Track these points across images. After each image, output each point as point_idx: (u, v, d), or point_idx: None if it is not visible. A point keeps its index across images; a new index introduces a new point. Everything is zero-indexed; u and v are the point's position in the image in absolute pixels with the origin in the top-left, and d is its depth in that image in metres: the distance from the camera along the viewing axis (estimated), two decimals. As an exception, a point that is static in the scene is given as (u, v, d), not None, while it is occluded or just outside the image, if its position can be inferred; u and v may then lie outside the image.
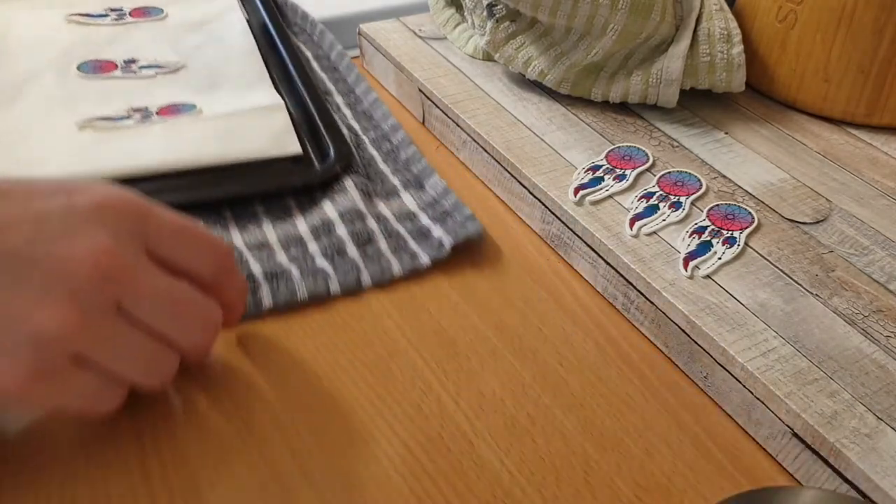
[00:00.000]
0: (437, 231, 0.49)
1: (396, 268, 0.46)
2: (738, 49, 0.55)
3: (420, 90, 0.60)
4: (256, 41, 0.65)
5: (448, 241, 0.48)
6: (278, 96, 0.58)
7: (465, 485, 0.36)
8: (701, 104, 0.58)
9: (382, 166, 0.55)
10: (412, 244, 0.48)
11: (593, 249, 0.46)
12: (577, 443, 0.38)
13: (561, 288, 0.47)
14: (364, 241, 0.48)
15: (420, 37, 0.66)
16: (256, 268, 0.45)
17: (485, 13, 0.58)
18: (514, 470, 0.36)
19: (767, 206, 0.48)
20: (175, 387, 0.39)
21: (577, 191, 0.48)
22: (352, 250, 0.47)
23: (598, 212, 0.47)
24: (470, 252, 0.49)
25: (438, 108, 0.58)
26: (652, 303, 0.43)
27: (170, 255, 0.32)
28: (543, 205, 0.49)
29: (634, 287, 0.44)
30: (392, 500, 0.35)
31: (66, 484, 0.35)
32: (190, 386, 0.39)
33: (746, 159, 0.53)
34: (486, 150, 0.54)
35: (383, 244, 0.48)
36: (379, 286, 0.46)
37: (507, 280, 0.47)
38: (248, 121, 0.55)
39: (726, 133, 0.55)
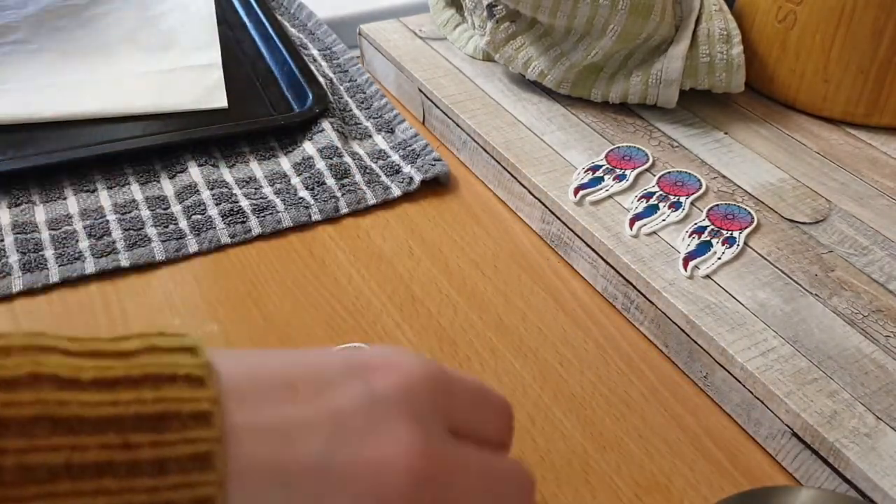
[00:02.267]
0: (407, 168, 0.55)
1: (371, 198, 0.52)
2: (737, 49, 0.55)
3: (420, 90, 0.60)
4: (234, 10, 0.73)
5: (417, 177, 0.53)
6: (218, 56, 0.65)
7: (465, 484, 0.36)
8: (701, 104, 0.58)
9: (356, 112, 0.61)
10: (384, 178, 0.54)
11: (593, 249, 0.46)
12: (577, 443, 0.38)
13: (561, 288, 0.47)
14: (341, 174, 0.53)
15: (420, 37, 0.66)
16: (245, 202, 0.51)
17: (485, 14, 0.58)
18: (515, 469, 0.36)
19: (767, 205, 0.48)
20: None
21: (577, 191, 0.48)
22: (330, 181, 0.53)
23: (598, 212, 0.47)
24: (470, 250, 0.49)
25: (438, 108, 0.59)
26: (652, 303, 0.43)
27: (467, 425, 0.28)
28: (543, 205, 0.49)
29: (634, 287, 0.44)
30: (392, 500, 0.35)
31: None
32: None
33: (746, 159, 0.53)
34: (486, 150, 0.54)
35: (358, 177, 0.54)
36: (355, 213, 0.51)
37: (507, 280, 0.47)
38: (184, 77, 0.63)
39: (726, 133, 0.56)
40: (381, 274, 0.47)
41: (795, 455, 0.36)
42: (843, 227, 0.47)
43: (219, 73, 0.63)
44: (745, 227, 0.46)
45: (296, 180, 0.53)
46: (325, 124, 0.57)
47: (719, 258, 0.44)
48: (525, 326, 0.44)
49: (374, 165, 0.55)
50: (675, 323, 0.41)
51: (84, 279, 0.45)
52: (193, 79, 0.62)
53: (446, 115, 0.58)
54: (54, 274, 0.45)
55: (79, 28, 0.68)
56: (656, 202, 0.48)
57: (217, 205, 0.50)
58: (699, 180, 0.50)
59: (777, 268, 0.44)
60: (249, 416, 0.22)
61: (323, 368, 0.25)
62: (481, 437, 0.28)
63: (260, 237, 0.49)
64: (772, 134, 0.56)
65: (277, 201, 0.51)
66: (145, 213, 0.50)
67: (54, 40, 0.66)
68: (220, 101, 0.60)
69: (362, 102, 0.62)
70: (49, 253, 0.46)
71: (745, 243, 0.45)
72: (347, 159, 0.54)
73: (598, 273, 0.46)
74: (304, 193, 0.52)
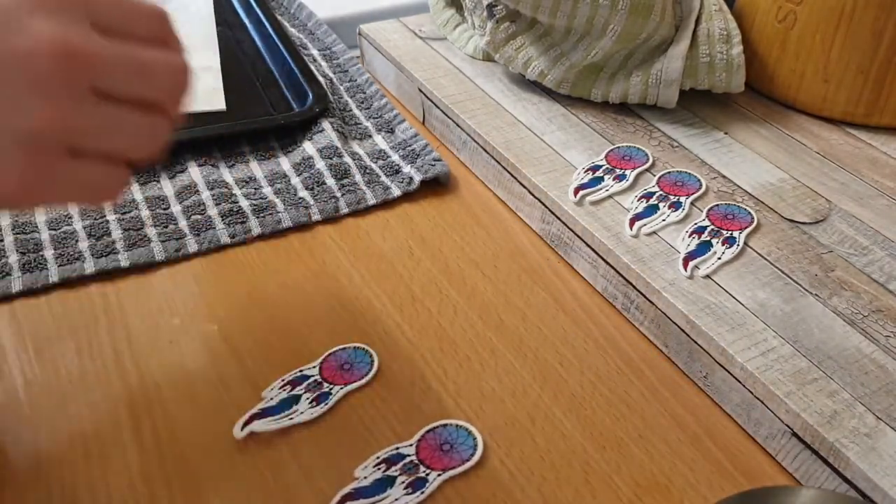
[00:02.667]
0: (407, 168, 0.55)
1: (370, 198, 0.52)
2: (737, 49, 0.55)
3: (420, 90, 0.60)
4: (234, 10, 0.73)
5: (417, 178, 0.53)
6: (217, 59, 0.65)
7: (465, 484, 0.36)
8: (701, 104, 0.58)
9: (356, 112, 0.61)
10: (384, 178, 0.54)
11: (593, 249, 0.46)
12: (577, 443, 0.38)
13: (561, 288, 0.47)
14: (341, 174, 0.53)
15: (420, 37, 0.66)
16: (245, 202, 0.51)
17: (485, 14, 0.58)
18: (514, 470, 0.36)
19: (767, 205, 0.48)
20: (174, 381, 0.39)
21: (577, 191, 0.48)
22: (330, 182, 0.53)
23: (598, 212, 0.47)
24: (470, 250, 0.49)
25: (438, 108, 0.59)
26: (652, 303, 0.43)
27: (112, 25, 0.31)
28: (543, 205, 0.49)
29: (634, 287, 0.44)
30: (392, 500, 0.35)
31: (67, 483, 0.35)
32: (191, 383, 0.39)
33: (746, 159, 0.53)
34: (486, 150, 0.54)
35: (358, 177, 0.54)
36: (355, 213, 0.52)
37: (507, 280, 0.47)
38: None
39: (726, 133, 0.56)
40: (381, 274, 0.47)
41: (795, 455, 0.36)
42: (843, 227, 0.47)
43: (217, 76, 0.63)
44: (745, 227, 0.46)
45: (296, 180, 0.53)
46: (325, 124, 0.57)
47: (719, 258, 0.44)
48: (525, 326, 0.44)
49: (373, 165, 0.55)
50: (675, 323, 0.41)
51: (84, 279, 0.45)
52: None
53: (446, 115, 0.58)
54: (54, 274, 0.45)
55: None
56: (656, 202, 0.48)
57: (217, 205, 0.50)
58: (699, 180, 0.50)
59: (777, 268, 0.44)
60: None
61: None
62: (132, 35, 0.31)
63: (260, 237, 0.49)
64: (772, 134, 0.56)
65: (277, 201, 0.51)
66: (145, 213, 0.50)
67: None
68: (219, 103, 0.60)
69: (362, 102, 0.62)
70: (49, 253, 0.46)
71: (745, 243, 0.45)
72: (347, 159, 0.54)
73: (598, 273, 0.46)
74: (304, 193, 0.52)
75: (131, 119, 0.31)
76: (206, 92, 0.61)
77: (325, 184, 0.53)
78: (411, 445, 0.37)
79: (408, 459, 0.36)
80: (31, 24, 0.28)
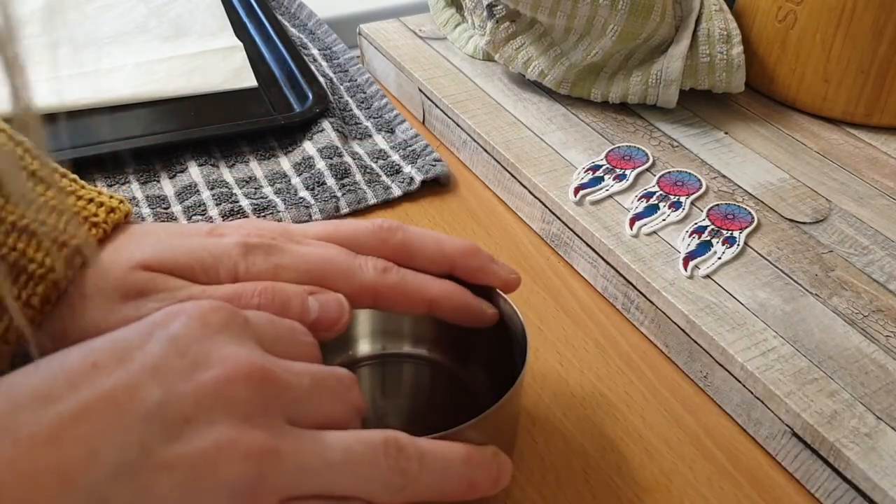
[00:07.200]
0: (408, 168, 0.55)
1: (371, 198, 0.52)
2: (737, 49, 0.55)
3: (420, 90, 0.60)
4: (234, 10, 0.73)
5: (418, 178, 0.53)
6: (237, 40, 0.66)
7: (465, 484, 0.36)
8: (701, 104, 0.58)
9: (357, 112, 0.61)
10: (385, 178, 0.54)
11: (593, 249, 0.46)
12: (577, 443, 0.38)
13: (561, 288, 0.47)
14: (341, 174, 0.53)
15: (420, 37, 0.66)
16: (245, 202, 0.51)
17: (485, 13, 0.58)
18: (514, 470, 0.36)
19: (767, 205, 0.48)
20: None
21: (577, 191, 0.48)
22: (330, 181, 0.53)
23: (598, 212, 0.47)
24: (470, 252, 0.49)
25: (438, 108, 0.59)
26: (652, 302, 0.43)
27: (309, 415, 0.27)
28: (543, 205, 0.49)
29: (634, 287, 0.44)
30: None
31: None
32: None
33: (746, 159, 0.53)
34: (486, 150, 0.54)
35: (359, 177, 0.54)
36: (355, 213, 0.52)
37: (507, 280, 0.47)
38: (209, 60, 0.64)
39: (726, 133, 0.56)
40: (381, 274, 0.47)
41: (795, 455, 0.36)
42: (843, 227, 0.47)
43: (242, 55, 0.64)
44: (746, 227, 0.46)
45: (296, 180, 0.53)
46: (326, 124, 0.57)
47: (719, 258, 0.44)
48: (525, 326, 0.44)
49: (374, 165, 0.55)
50: (675, 323, 0.41)
51: (84, 279, 0.45)
52: (218, 61, 0.63)
53: (446, 115, 0.58)
54: (54, 274, 0.45)
55: (87, 21, 0.68)
56: (656, 202, 0.48)
57: (217, 205, 0.50)
58: (699, 180, 0.50)
59: (777, 268, 0.44)
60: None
61: (119, 340, 0.25)
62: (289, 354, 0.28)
63: (260, 237, 0.49)
64: (772, 134, 0.56)
65: (278, 201, 0.51)
66: (145, 212, 0.50)
67: (68, 34, 0.66)
68: (249, 80, 0.61)
69: (362, 102, 0.62)
70: (49, 253, 0.46)
71: (746, 243, 0.45)
72: (348, 159, 0.54)
73: (598, 273, 0.46)
74: (304, 193, 0.52)
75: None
76: (235, 70, 0.63)
77: (326, 183, 0.53)
78: None
79: None
80: (210, 349, 0.25)
